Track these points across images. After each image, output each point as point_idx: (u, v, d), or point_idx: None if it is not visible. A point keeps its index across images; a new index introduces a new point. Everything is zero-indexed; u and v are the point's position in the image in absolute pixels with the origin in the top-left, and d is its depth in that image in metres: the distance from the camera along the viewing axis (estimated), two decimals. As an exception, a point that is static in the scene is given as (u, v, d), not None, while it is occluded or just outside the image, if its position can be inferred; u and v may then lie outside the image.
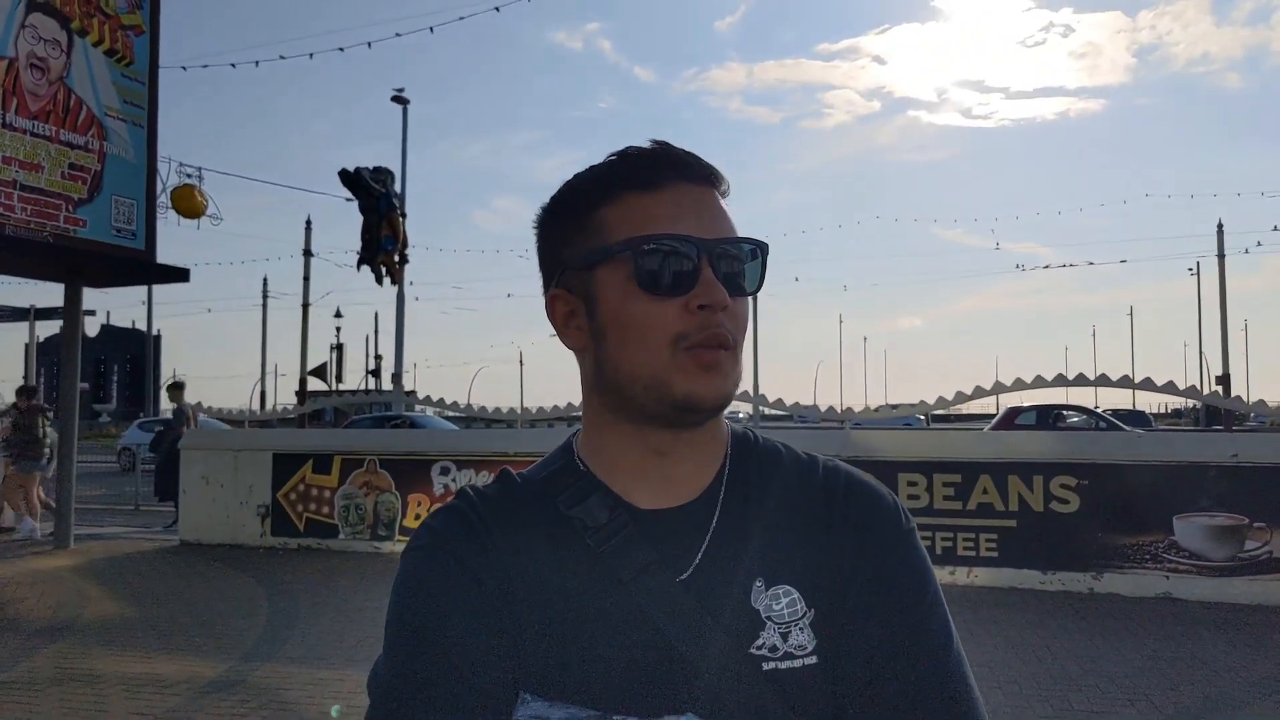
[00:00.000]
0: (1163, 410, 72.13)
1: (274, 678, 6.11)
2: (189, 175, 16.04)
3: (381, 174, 25.66)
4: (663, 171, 1.02)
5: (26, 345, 15.96)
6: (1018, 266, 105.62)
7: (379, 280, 26.06)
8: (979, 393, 10.36)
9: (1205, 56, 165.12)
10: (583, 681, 0.98)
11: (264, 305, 51.07)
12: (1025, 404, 25.91)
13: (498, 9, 21.27)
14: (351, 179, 25.21)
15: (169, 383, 15.33)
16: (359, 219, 25.50)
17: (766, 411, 12.85)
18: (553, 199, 1.08)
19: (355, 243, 26.21)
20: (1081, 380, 10.12)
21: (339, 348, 43.62)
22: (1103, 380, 10.17)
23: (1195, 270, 52.71)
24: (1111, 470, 8.61)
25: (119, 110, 11.55)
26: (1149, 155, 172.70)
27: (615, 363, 1.02)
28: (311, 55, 59.70)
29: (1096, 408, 31.43)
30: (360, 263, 25.83)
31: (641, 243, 0.99)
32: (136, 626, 7.55)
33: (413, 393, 31.64)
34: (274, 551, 11.19)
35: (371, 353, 53.02)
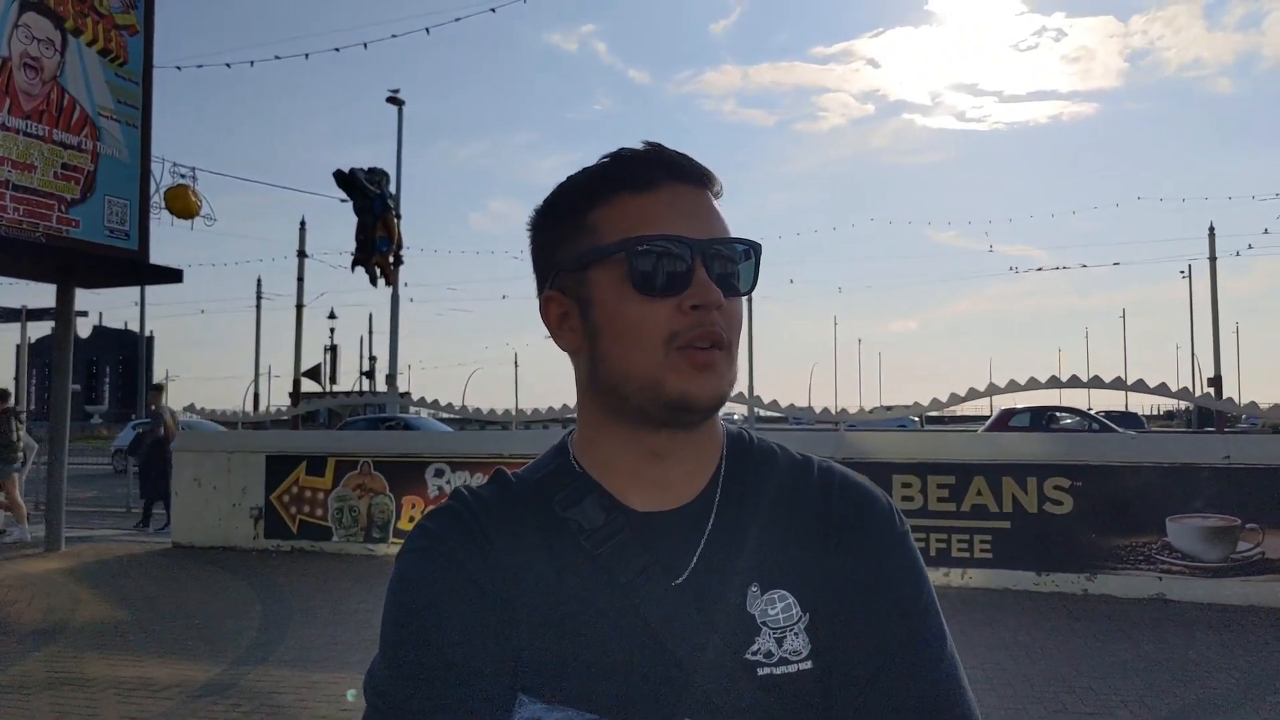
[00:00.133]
0: (1155, 412, 72.36)
1: (267, 681, 6.09)
2: (183, 175, 15.97)
3: (377, 175, 25.68)
4: (656, 172, 1.02)
5: (18, 346, 15.91)
6: (1011, 269, 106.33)
7: (373, 281, 26.09)
8: (973, 394, 10.36)
9: (1197, 61, 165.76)
10: (580, 684, 0.97)
11: (258, 306, 51.10)
12: (1019, 406, 25.90)
13: (493, 10, 21.31)
14: (347, 180, 25.22)
15: (154, 386, 15.35)
16: (354, 220, 25.51)
17: (761, 413, 12.85)
18: (546, 201, 1.08)
19: (350, 244, 26.23)
20: (1075, 382, 10.12)
21: (333, 349, 43.45)
22: (1096, 382, 10.18)
23: (1187, 273, 52.93)
24: (1105, 472, 8.63)
25: (112, 110, 11.52)
26: (1141, 159, 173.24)
27: (609, 363, 1.02)
28: (307, 56, 59.77)
29: (1090, 410, 31.45)
30: (355, 264, 25.85)
31: (635, 243, 0.99)
32: (128, 630, 7.53)
33: (407, 394, 31.62)
34: (267, 554, 11.16)
35: (366, 354, 52.90)
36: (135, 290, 49.06)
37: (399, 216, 26.38)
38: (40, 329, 17.08)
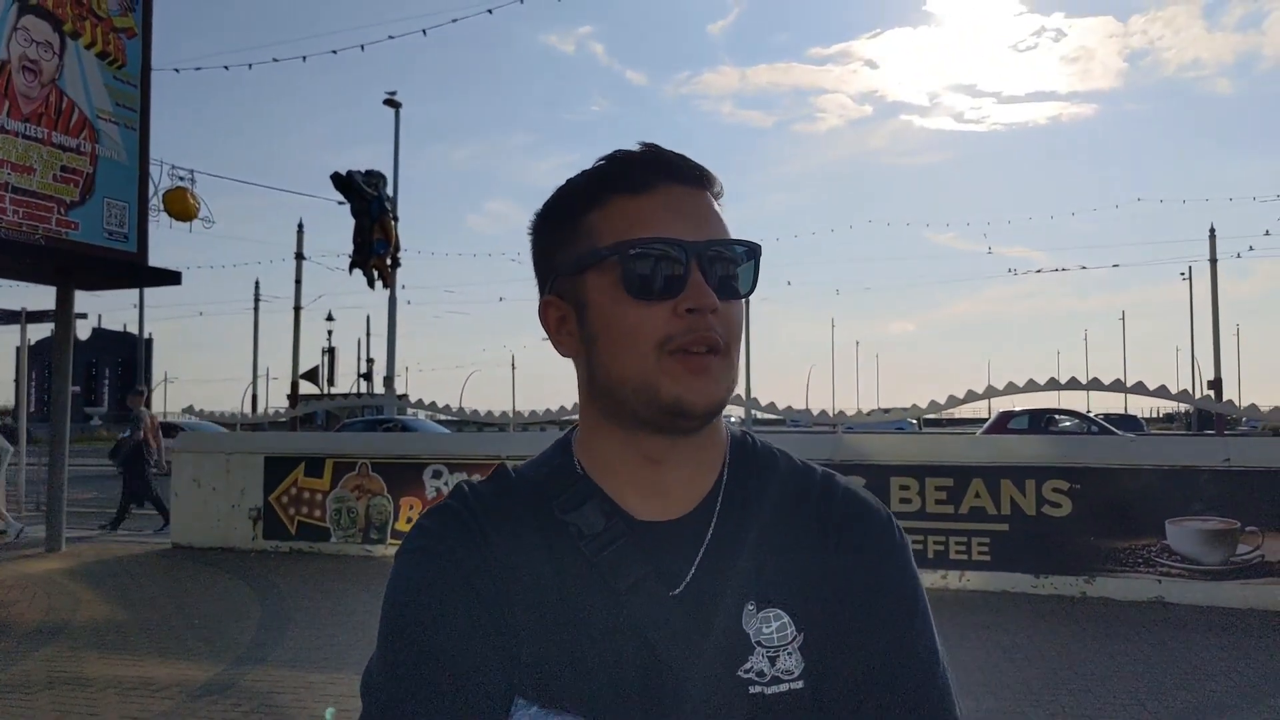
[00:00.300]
0: (1154, 415, 72.46)
1: (266, 681, 6.09)
2: (181, 178, 15.97)
3: (374, 177, 25.70)
4: (651, 174, 1.01)
5: (18, 348, 15.91)
6: (1010, 270, 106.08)
7: (371, 283, 26.12)
8: (971, 397, 10.37)
9: (1196, 62, 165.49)
10: (575, 690, 0.97)
11: (256, 308, 51.11)
12: (1017, 408, 25.93)
13: (490, 11, 21.29)
14: (344, 182, 25.25)
15: (134, 390, 15.33)
16: (351, 222, 25.54)
17: (759, 415, 12.87)
18: (545, 205, 1.08)
19: (347, 246, 26.31)
20: (1074, 384, 10.14)
21: (331, 351, 43.53)
22: (1095, 384, 10.20)
23: (1187, 275, 53.04)
24: (1104, 474, 8.63)
25: (111, 113, 11.53)
26: (1141, 160, 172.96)
27: (606, 368, 1.01)
28: (305, 58, 59.31)
29: (1088, 412, 31.48)
30: (352, 266, 25.88)
31: (628, 247, 0.98)
32: (128, 630, 7.53)
33: (404, 396, 31.60)
34: (265, 555, 11.17)
35: (363, 356, 53.05)
36: (134, 292, 49.12)
37: (396, 218, 26.40)
38: (40, 331, 17.09)
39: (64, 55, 11.02)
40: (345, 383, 50.08)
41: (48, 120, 10.80)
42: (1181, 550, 8.31)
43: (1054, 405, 28.09)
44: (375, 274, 25.69)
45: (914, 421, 41.14)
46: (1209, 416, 41.05)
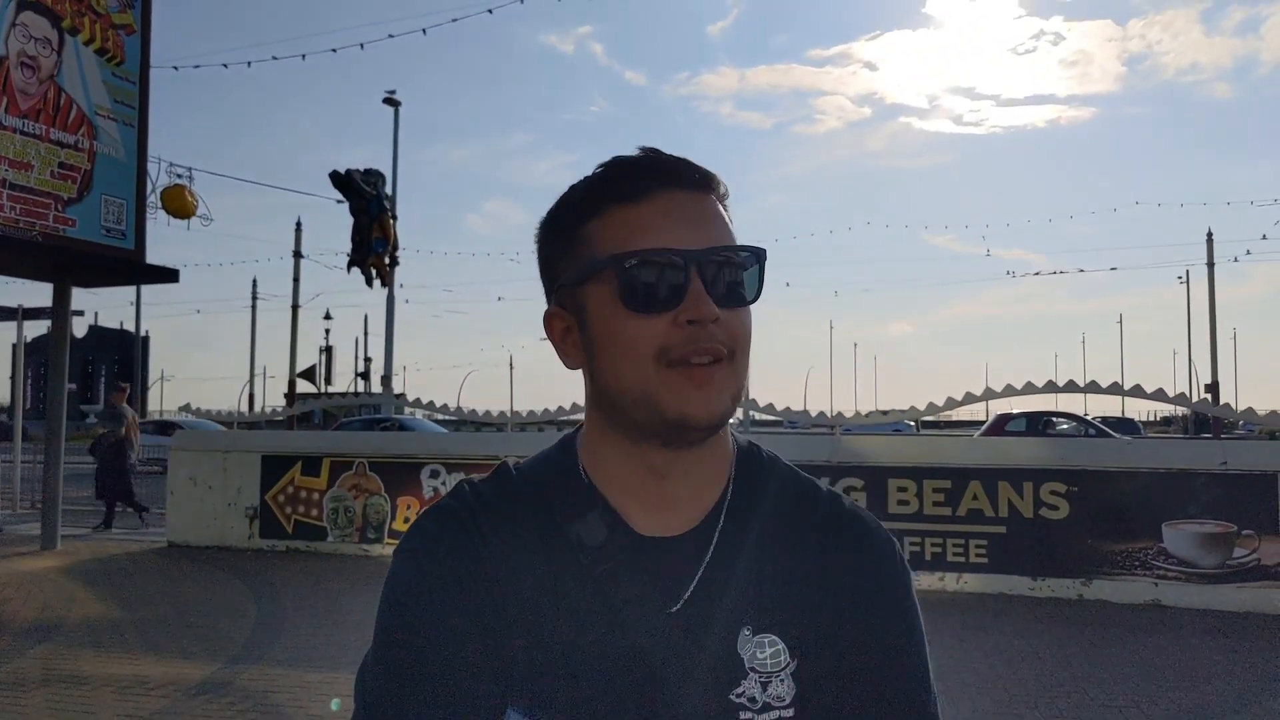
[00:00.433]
0: (1151, 418, 72.63)
1: (262, 680, 6.08)
2: (179, 175, 15.99)
3: (373, 176, 25.70)
4: (648, 181, 0.99)
5: (14, 345, 15.87)
6: (1008, 273, 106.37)
7: (369, 282, 26.11)
8: (969, 399, 10.37)
9: (1195, 66, 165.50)
10: (568, 702, 0.97)
11: (253, 307, 51.15)
12: (1015, 410, 25.91)
13: (490, 11, 21.30)
14: (343, 181, 25.25)
15: (117, 385, 15.30)
16: (349, 221, 25.54)
17: (757, 416, 12.86)
18: (547, 213, 1.07)
19: (346, 245, 26.32)
20: (1071, 387, 10.14)
21: (328, 350, 43.55)
22: (1092, 387, 10.20)
23: (1185, 278, 53.21)
24: (1101, 477, 8.64)
25: (109, 109, 11.51)
26: (1139, 164, 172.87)
27: (607, 380, 1.00)
28: (304, 56, 59.63)
29: (1086, 415, 31.48)
30: (351, 265, 25.88)
31: (624, 259, 0.96)
32: (124, 628, 7.52)
33: (402, 395, 31.59)
34: (262, 553, 11.16)
35: (361, 355, 52.96)
36: (131, 290, 49.09)
37: (395, 217, 26.40)
38: (36, 328, 17.03)
39: (62, 51, 11.01)
40: (343, 382, 50.15)
41: (46, 116, 10.78)
42: (1178, 553, 8.32)
43: (1051, 408, 28.12)
44: (373, 273, 25.69)
45: (912, 423, 41.14)
46: (1206, 420, 41.11)
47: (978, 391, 10.40)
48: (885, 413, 11.94)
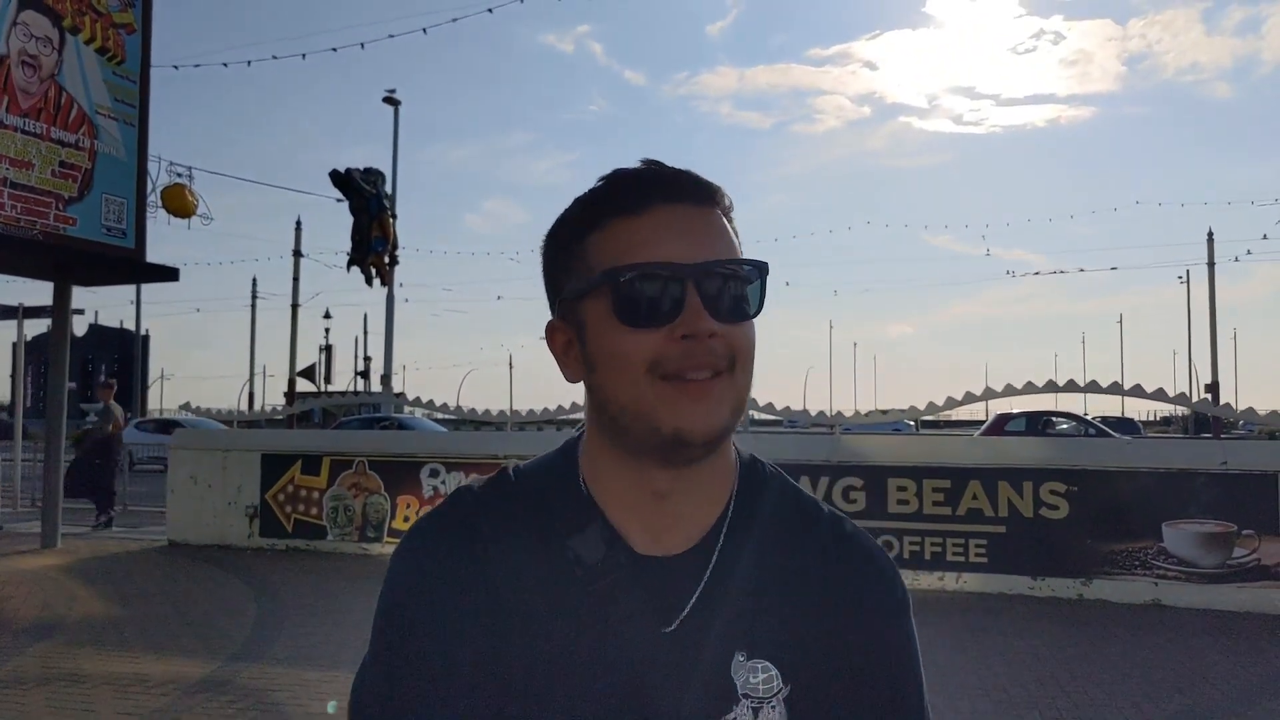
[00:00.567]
0: (1151, 418, 72.62)
1: (261, 679, 6.08)
2: (179, 174, 15.95)
3: (372, 175, 25.70)
4: (647, 193, 0.98)
5: (14, 344, 15.88)
6: (1008, 273, 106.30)
7: (369, 281, 26.12)
8: (969, 398, 10.38)
9: (1195, 66, 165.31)
10: (565, 707, 0.96)
11: (253, 306, 51.17)
12: (1015, 410, 25.93)
13: (490, 10, 21.30)
14: (342, 180, 25.26)
15: (102, 382, 15.27)
16: (349, 220, 25.55)
17: (757, 416, 12.89)
18: (551, 226, 1.06)
19: (345, 244, 26.32)
20: (1071, 387, 10.14)
21: (328, 349, 43.56)
22: (1092, 387, 10.20)
23: (1185, 278, 53.24)
24: (1101, 477, 8.64)
25: (110, 108, 11.52)
26: (1139, 163, 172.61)
27: (605, 395, 0.99)
28: (304, 56, 59.80)
29: (1086, 414, 31.48)
30: (350, 264, 25.88)
31: (618, 273, 0.95)
32: (124, 626, 7.52)
33: (402, 394, 31.63)
34: (262, 552, 11.16)
35: (360, 354, 52.98)
36: (131, 289, 49.08)
37: (395, 216, 26.41)
38: (36, 327, 17.04)
39: (63, 50, 11.01)
40: (342, 380, 50.12)
41: (47, 115, 10.79)
42: (1178, 553, 8.32)
43: (1051, 408, 28.13)
44: (373, 272, 25.70)
45: (911, 423, 41.14)
46: (1206, 420, 41.11)
47: (977, 391, 10.40)
48: (885, 412, 11.95)
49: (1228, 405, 11.42)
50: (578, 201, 1.03)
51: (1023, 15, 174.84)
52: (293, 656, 6.62)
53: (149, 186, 12.55)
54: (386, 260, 25.93)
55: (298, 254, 33.84)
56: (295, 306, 33.83)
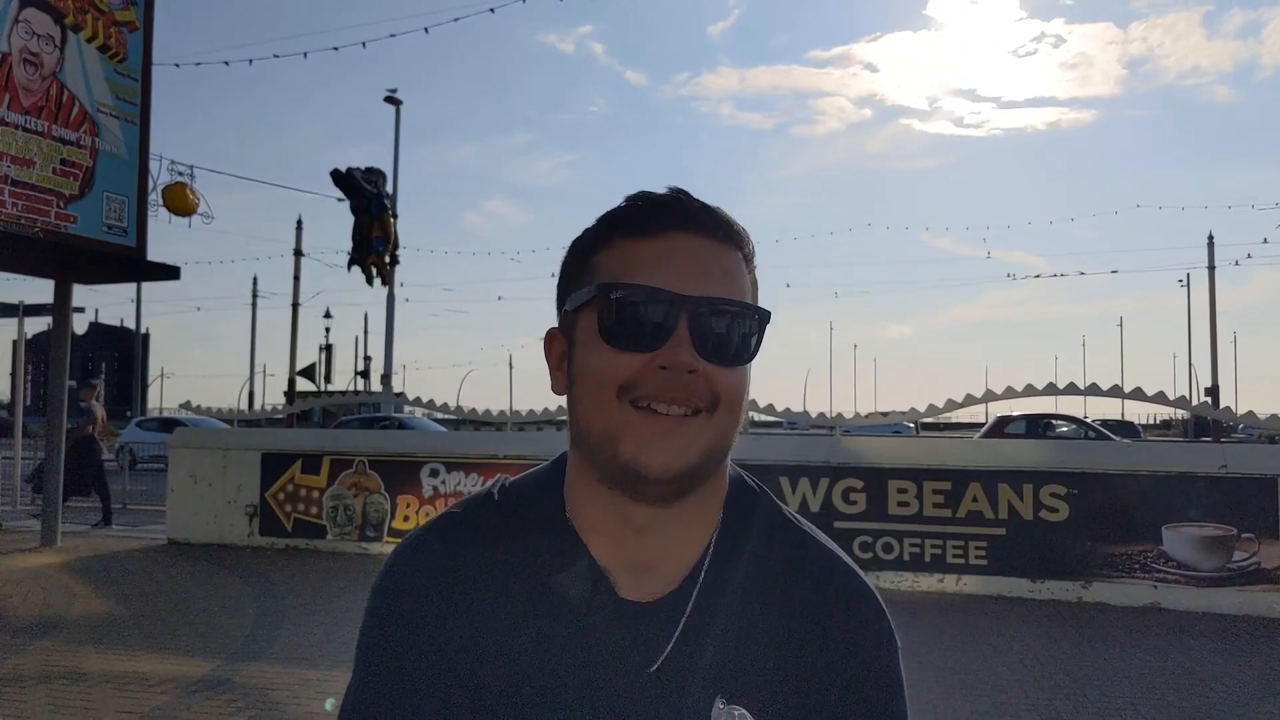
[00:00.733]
0: (1151, 421, 72.53)
1: (261, 677, 6.09)
2: (181, 173, 15.93)
3: (373, 175, 25.73)
4: (660, 218, 0.96)
5: (14, 342, 15.90)
6: (1009, 275, 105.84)
7: (369, 281, 26.16)
8: (969, 401, 10.37)
9: (1196, 69, 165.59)
10: None
11: (254, 305, 51.13)
12: (1015, 413, 25.89)
13: (493, 10, 21.33)
14: (344, 179, 25.29)
15: (86, 383, 15.26)
16: (350, 219, 25.58)
17: (756, 417, 12.88)
18: (572, 240, 1.05)
19: (346, 243, 26.35)
20: (1071, 389, 10.14)
21: (328, 348, 43.60)
22: (1093, 390, 10.19)
23: (1185, 282, 53.16)
24: (1101, 480, 8.64)
25: (111, 106, 11.52)
26: (1140, 167, 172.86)
27: (577, 412, 0.97)
28: (306, 55, 59.81)
29: (1086, 417, 31.46)
30: (351, 263, 25.91)
31: (610, 289, 0.94)
32: (124, 625, 7.52)
33: (402, 394, 31.60)
34: (262, 551, 11.16)
35: (361, 353, 53.00)
36: (131, 287, 49.01)
37: (395, 216, 26.43)
38: (37, 325, 17.05)
39: (65, 48, 11.01)
40: (342, 380, 50.15)
41: (48, 113, 10.79)
42: (1178, 556, 8.32)
43: (1051, 410, 28.09)
44: (374, 271, 25.72)
45: (911, 425, 41.14)
46: (1206, 423, 41.05)
47: (978, 394, 10.40)
48: (885, 414, 11.94)
49: (1228, 409, 11.42)
50: (600, 218, 1.01)
51: (1024, 18, 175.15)
52: (292, 655, 6.63)
53: (150, 185, 12.53)
54: (387, 260, 25.95)
55: (298, 253, 33.82)
56: (296, 306, 33.80)
